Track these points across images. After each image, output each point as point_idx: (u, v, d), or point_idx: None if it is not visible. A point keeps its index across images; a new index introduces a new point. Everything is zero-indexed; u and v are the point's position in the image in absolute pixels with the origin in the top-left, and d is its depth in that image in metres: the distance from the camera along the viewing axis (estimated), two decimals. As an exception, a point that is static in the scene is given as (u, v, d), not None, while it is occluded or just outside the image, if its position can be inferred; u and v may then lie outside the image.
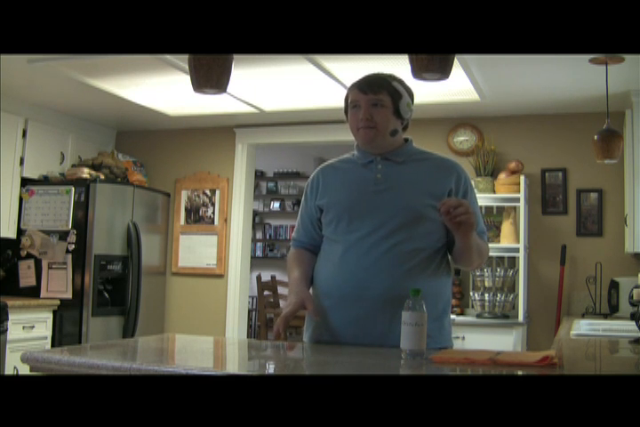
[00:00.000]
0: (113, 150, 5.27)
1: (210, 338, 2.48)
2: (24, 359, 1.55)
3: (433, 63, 1.77)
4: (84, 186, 4.44)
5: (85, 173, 4.58)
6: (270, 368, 1.68)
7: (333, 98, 3.97)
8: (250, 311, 6.91)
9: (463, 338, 3.88)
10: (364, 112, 1.92)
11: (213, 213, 5.11)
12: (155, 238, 5.02)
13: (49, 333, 4.25)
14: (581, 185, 4.35)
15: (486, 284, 4.22)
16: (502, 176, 4.30)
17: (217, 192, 5.12)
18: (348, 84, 2.04)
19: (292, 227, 8.24)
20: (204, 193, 5.15)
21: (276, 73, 3.66)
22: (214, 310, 5.01)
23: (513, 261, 4.29)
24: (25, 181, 4.53)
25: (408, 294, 1.63)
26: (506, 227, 4.25)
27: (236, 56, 1.93)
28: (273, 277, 7.05)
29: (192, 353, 1.85)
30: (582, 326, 3.20)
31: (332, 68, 3.52)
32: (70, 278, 4.33)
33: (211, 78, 1.88)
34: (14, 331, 3.91)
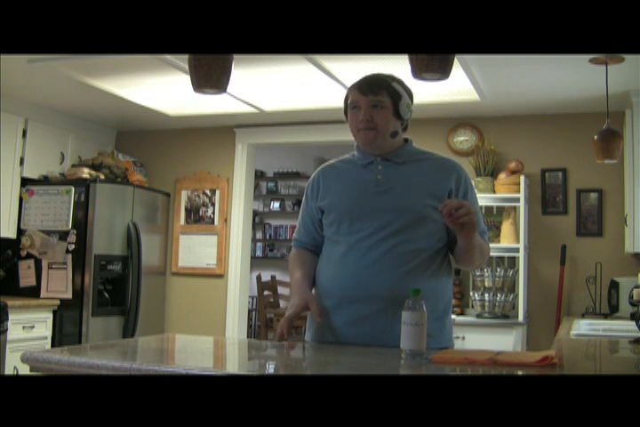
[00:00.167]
0: (113, 150, 5.27)
1: (210, 338, 2.48)
2: (24, 359, 1.55)
3: (433, 63, 1.76)
4: (83, 186, 4.44)
5: (85, 173, 4.58)
6: (270, 368, 1.68)
7: (333, 98, 3.97)
8: (250, 311, 6.91)
9: (463, 338, 3.88)
10: (365, 113, 1.92)
11: (213, 213, 5.11)
12: (155, 238, 5.02)
13: (49, 333, 4.25)
14: (581, 185, 4.35)
15: (486, 284, 4.22)
16: (502, 176, 4.30)
17: (217, 192, 5.12)
18: (348, 84, 2.04)
19: (292, 227, 8.25)
20: (204, 193, 5.15)
21: (276, 73, 3.66)
22: (214, 310, 5.01)
23: (513, 261, 4.29)
24: (25, 181, 4.53)
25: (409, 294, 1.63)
26: (506, 227, 4.25)
27: (236, 56, 1.93)
28: (273, 277, 7.05)
29: (192, 353, 1.85)
30: (582, 326, 3.20)
31: (332, 68, 3.52)
32: (70, 278, 4.33)
33: (211, 78, 1.88)
34: (14, 331, 3.91)
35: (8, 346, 3.82)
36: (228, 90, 1.99)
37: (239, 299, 4.99)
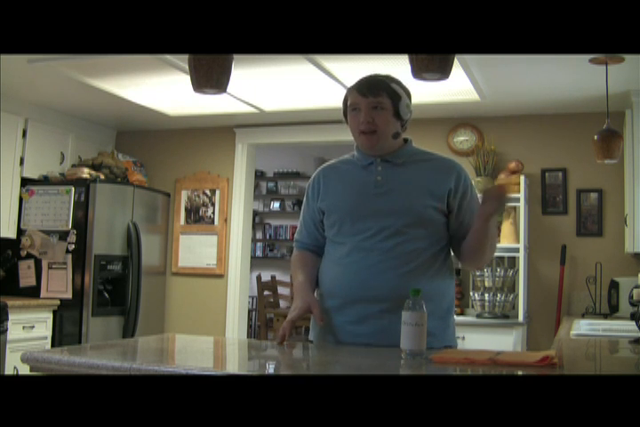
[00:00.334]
0: (113, 150, 5.27)
1: (210, 338, 2.48)
2: (24, 359, 1.55)
3: (433, 63, 1.77)
4: (84, 186, 4.44)
5: (85, 173, 4.58)
6: (270, 368, 1.68)
7: (333, 98, 3.97)
8: (250, 311, 6.91)
9: (463, 338, 3.87)
10: (365, 115, 1.91)
11: (213, 213, 5.11)
12: (155, 238, 5.02)
13: (49, 333, 4.25)
14: (581, 185, 4.35)
15: (486, 284, 4.22)
16: (502, 176, 4.30)
17: (217, 192, 5.12)
18: (348, 84, 2.04)
19: (293, 227, 8.25)
20: (204, 193, 5.15)
21: (276, 73, 3.66)
22: (214, 310, 5.01)
23: (513, 261, 4.29)
24: (25, 181, 4.53)
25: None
26: (506, 227, 4.25)
27: (236, 56, 1.93)
28: (273, 277, 7.05)
29: (192, 353, 1.85)
30: (582, 326, 3.20)
31: (332, 68, 3.52)
32: (70, 278, 4.33)
33: (211, 78, 1.88)
34: (14, 331, 3.91)
35: (8, 346, 3.83)
36: (228, 90, 1.99)
37: (239, 299, 4.99)
